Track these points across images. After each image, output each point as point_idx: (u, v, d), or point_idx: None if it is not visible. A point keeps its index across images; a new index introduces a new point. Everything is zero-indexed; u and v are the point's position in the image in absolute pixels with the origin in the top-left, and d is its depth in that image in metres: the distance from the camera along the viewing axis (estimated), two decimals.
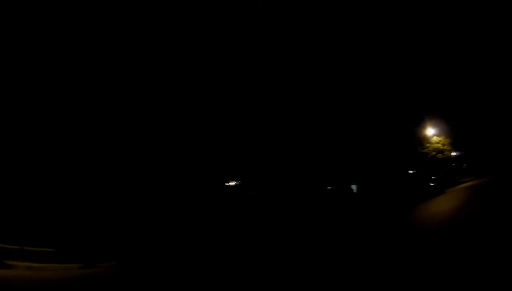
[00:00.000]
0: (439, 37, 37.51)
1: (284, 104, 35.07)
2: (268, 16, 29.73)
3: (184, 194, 23.44)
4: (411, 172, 35.22)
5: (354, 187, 35.07)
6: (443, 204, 19.05)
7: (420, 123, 38.23)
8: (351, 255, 10.43)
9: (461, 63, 37.46)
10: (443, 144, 37.83)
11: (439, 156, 37.04)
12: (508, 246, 7.38)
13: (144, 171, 22.16)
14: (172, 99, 26.08)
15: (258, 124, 33.71)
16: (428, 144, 37.72)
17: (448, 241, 9.53)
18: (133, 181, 21.00)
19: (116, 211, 18.24)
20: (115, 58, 22.56)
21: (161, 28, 25.68)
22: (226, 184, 32.02)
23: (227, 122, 31.62)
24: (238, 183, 32.86)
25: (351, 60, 36.14)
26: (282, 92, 34.55)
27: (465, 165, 39.19)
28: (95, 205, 17.68)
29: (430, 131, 38.02)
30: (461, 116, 38.74)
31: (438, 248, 8.97)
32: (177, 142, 26.33)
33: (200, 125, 28.60)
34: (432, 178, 30.29)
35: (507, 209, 11.87)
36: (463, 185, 29.76)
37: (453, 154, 38.73)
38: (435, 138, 37.98)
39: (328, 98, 36.39)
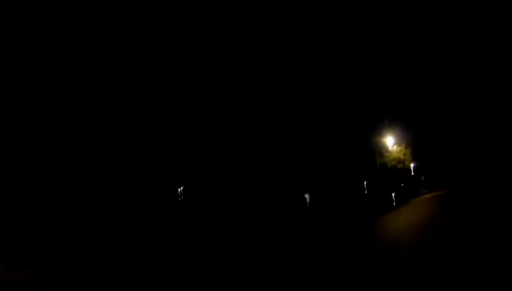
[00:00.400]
0: (401, 46, 36.92)
1: (236, 107, 31.24)
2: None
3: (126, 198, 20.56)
4: (371, 181, 32.13)
5: (307, 196, 31.09)
6: (411, 214, 17.84)
7: (380, 133, 35.46)
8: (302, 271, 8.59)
9: (422, 74, 36.78)
10: (404, 154, 35.30)
11: (400, 166, 34.35)
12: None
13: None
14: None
15: (209, 127, 29.84)
16: (388, 154, 34.89)
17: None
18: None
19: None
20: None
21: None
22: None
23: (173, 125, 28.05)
24: (182, 188, 28.40)
25: (305, 63, 33.74)
26: (234, 95, 31.08)
27: (423, 177, 36.83)
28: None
29: (390, 140, 35.22)
30: (422, 127, 37.11)
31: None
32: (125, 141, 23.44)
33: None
34: (394, 188, 27.21)
35: (477, 218, 11.68)
36: (426, 196, 27.25)
37: (412, 165, 36.21)
38: (395, 148, 35.30)
39: (283, 104, 33.08)
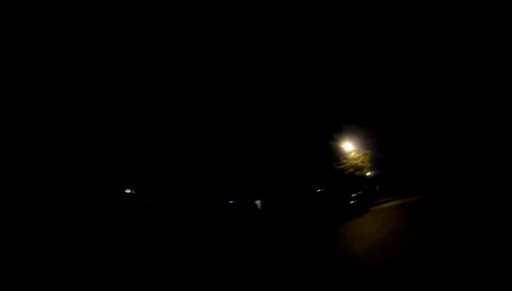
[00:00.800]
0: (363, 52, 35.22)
1: (182, 109, 28.93)
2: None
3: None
4: (327, 188, 28.73)
5: (258, 203, 27.32)
6: (373, 224, 15.82)
7: (337, 138, 32.20)
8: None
9: (384, 76, 34.49)
10: (362, 161, 32.14)
11: (358, 173, 31.06)
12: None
13: None
14: None
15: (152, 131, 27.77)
16: (345, 160, 31.58)
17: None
18: None
19: None
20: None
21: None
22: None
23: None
24: (133, 191, 27.01)
25: (256, 63, 31.38)
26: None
27: (378, 186, 34.13)
28: None
29: (348, 146, 32.00)
30: (382, 134, 34.52)
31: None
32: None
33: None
34: (353, 195, 23.80)
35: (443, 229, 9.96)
36: (387, 204, 24.72)
37: (369, 173, 33.16)
38: (353, 154, 32.12)
39: (233, 108, 30.09)
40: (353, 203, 22.71)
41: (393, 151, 34.49)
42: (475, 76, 25.64)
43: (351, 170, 31.08)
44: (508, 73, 23.11)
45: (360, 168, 31.57)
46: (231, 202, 26.94)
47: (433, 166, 28.89)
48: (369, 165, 32.16)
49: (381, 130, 33.93)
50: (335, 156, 31.67)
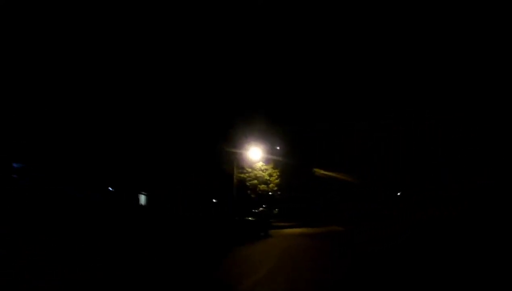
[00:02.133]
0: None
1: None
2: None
3: None
4: (224, 199, 21.61)
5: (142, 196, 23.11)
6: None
7: (242, 145, 24.87)
8: None
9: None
10: (270, 175, 25.30)
11: (262, 187, 24.01)
12: None
13: None
14: None
15: None
16: (249, 169, 24.29)
17: None
18: None
19: None
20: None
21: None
22: None
23: None
24: None
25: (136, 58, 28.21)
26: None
27: (276, 209, 29.41)
28: None
29: (256, 155, 24.84)
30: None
31: None
32: None
33: None
34: (253, 210, 16.76)
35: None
36: (291, 230, 20.47)
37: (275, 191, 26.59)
38: (260, 165, 25.08)
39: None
40: (251, 221, 15.51)
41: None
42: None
43: (254, 182, 23.87)
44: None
45: (266, 182, 24.57)
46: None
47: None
48: (278, 181, 25.45)
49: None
50: (237, 163, 24.01)
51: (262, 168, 25.69)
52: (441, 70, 25.70)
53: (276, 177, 26.01)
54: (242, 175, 23.80)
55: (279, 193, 26.06)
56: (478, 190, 18.01)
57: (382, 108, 30.73)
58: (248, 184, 23.47)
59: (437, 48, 25.82)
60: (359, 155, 32.52)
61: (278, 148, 28.56)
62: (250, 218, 16.29)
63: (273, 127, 28.02)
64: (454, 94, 24.66)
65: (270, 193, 25.15)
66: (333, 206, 31.15)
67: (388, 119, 30.47)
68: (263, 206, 19.40)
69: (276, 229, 20.74)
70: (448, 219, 14.26)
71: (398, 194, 28.70)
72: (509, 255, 6.53)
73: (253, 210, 17.80)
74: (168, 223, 19.25)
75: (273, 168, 26.46)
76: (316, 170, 31.89)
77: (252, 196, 23.29)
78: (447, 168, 25.36)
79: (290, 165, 29.85)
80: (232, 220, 16.47)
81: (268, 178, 25.24)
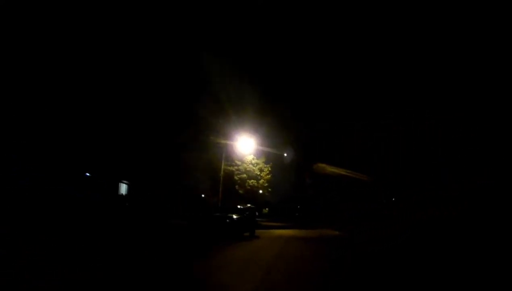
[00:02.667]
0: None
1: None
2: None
3: None
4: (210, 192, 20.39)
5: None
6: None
7: (230, 135, 23.32)
8: None
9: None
10: (261, 170, 23.72)
11: (252, 182, 22.51)
12: None
13: None
14: None
15: None
16: (238, 162, 22.78)
17: None
18: None
19: None
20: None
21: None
22: None
23: None
24: None
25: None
26: None
27: (267, 208, 29.59)
28: None
29: (247, 147, 23.28)
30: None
31: None
32: None
33: None
34: (238, 207, 15.49)
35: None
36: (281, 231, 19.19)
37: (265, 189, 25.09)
38: (250, 158, 23.55)
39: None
40: (236, 218, 14.19)
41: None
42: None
43: (244, 176, 22.34)
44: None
45: (256, 177, 23.02)
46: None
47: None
48: (269, 177, 23.90)
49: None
50: (226, 155, 22.48)
51: (253, 161, 24.19)
52: (441, 70, 25.33)
53: (268, 172, 24.51)
54: (230, 168, 22.30)
55: (269, 189, 24.51)
56: (478, 190, 18.01)
57: (382, 108, 30.42)
58: (236, 178, 21.98)
59: (437, 48, 25.41)
60: (359, 155, 31.52)
61: (273, 141, 27.20)
62: (233, 216, 14.66)
63: (268, 120, 26.79)
64: (454, 94, 24.26)
65: (260, 191, 23.62)
66: (333, 206, 29.86)
67: (388, 119, 29.79)
68: (250, 203, 17.79)
69: (264, 229, 19.23)
70: (448, 219, 14.17)
71: (397, 195, 28.01)
72: (509, 255, 6.58)
73: (238, 206, 16.00)
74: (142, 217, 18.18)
75: (265, 163, 25.04)
76: (319, 164, 30.64)
77: (240, 191, 21.80)
78: (447, 168, 24.80)
79: (285, 162, 28.50)
80: (210, 217, 14.94)
81: (258, 173, 23.72)
